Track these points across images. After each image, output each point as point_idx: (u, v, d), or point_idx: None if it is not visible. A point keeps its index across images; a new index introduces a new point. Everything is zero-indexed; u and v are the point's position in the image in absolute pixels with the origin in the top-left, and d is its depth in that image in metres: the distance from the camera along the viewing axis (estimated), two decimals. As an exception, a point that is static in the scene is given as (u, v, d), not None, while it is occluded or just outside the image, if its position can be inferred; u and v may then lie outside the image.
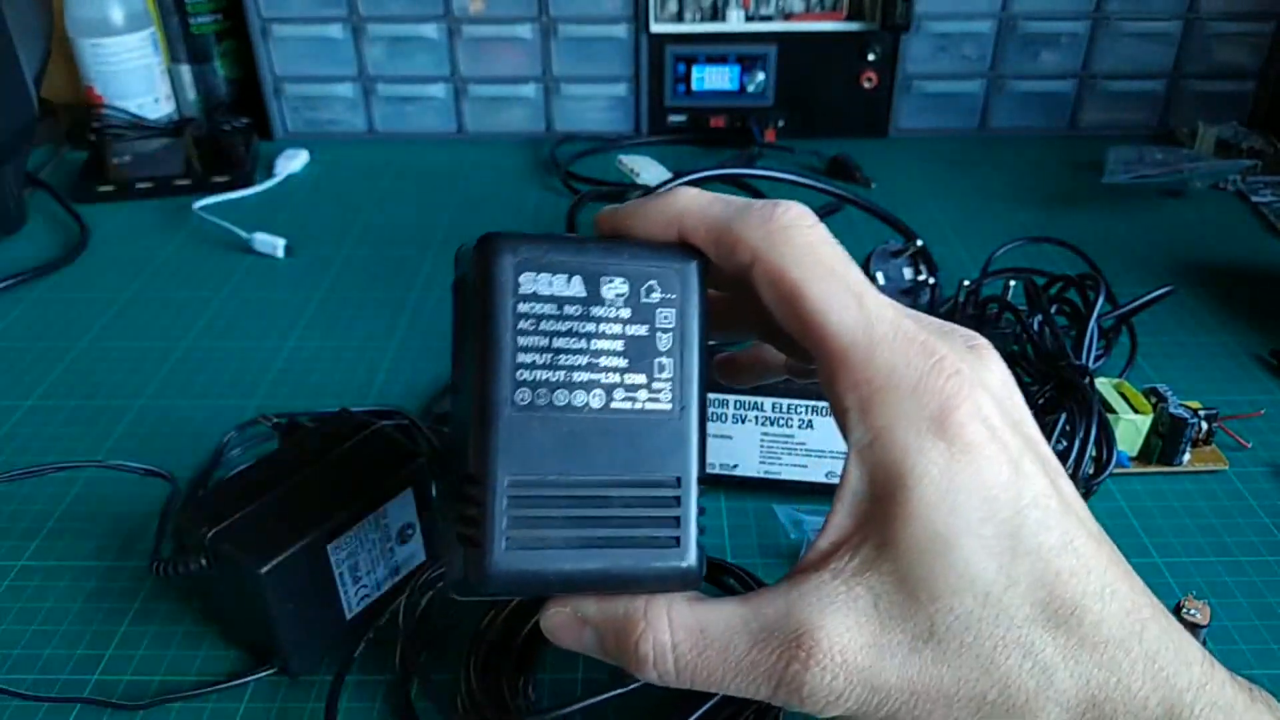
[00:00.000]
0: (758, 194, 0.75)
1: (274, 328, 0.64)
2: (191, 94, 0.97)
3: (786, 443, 0.46)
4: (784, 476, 0.47)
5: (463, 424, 0.25)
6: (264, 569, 0.34)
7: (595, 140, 0.92)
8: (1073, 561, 0.23)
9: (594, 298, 0.25)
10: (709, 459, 0.47)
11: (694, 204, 0.26)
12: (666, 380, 0.25)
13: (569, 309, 0.25)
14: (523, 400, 0.24)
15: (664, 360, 0.25)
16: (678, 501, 0.25)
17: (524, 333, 0.24)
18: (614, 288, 0.25)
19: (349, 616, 0.39)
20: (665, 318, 0.25)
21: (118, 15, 0.89)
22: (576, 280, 0.25)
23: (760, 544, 0.46)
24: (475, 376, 0.24)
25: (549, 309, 0.25)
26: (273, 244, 0.72)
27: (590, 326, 0.25)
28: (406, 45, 0.91)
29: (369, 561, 0.38)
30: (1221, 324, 0.63)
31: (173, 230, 0.77)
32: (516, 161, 0.90)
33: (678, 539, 0.25)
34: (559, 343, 0.25)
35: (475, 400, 0.24)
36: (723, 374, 0.34)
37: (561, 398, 0.24)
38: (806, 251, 0.25)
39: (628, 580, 0.25)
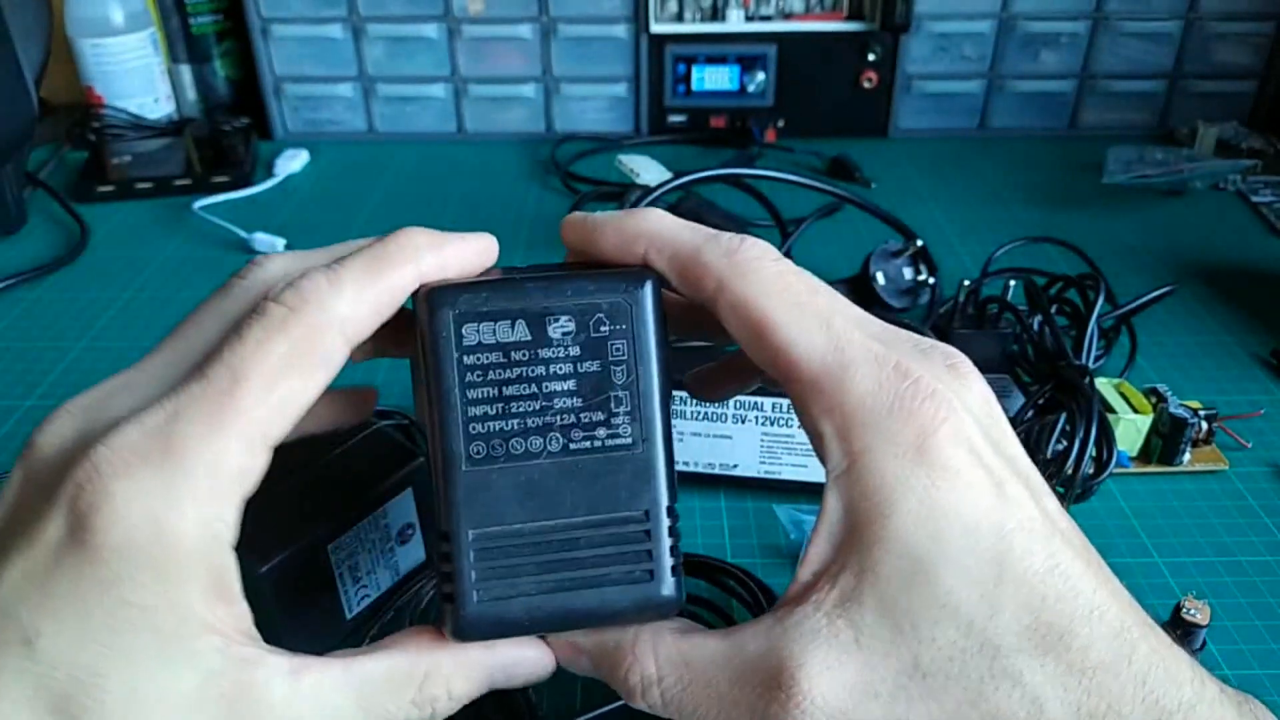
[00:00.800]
0: (758, 194, 0.75)
1: (274, 328, 0.63)
2: (191, 94, 0.97)
3: (786, 443, 0.46)
4: (784, 476, 0.47)
5: (432, 479, 0.25)
6: (264, 569, 0.34)
7: (595, 140, 0.92)
8: (1059, 585, 0.22)
9: (540, 340, 0.24)
10: (710, 458, 0.47)
11: (661, 227, 0.26)
12: (625, 414, 0.25)
13: (516, 355, 0.24)
14: (478, 454, 0.24)
15: (620, 394, 0.25)
16: (648, 535, 0.25)
17: (472, 385, 0.24)
18: (560, 326, 0.25)
19: (349, 616, 0.39)
20: (617, 349, 0.25)
21: (118, 15, 0.89)
22: (520, 324, 0.24)
23: (760, 544, 0.46)
24: (430, 434, 0.24)
25: (495, 358, 0.24)
26: (272, 244, 0.72)
27: (540, 370, 0.24)
28: (406, 45, 0.91)
29: (369, 561, 0.38)
30: (1221, 324, 0.63)
31: (173, 230, 0.77)
32: (516, 161, 0.90)
33: (651, 572, 0.25)
34: (510, 390, 0.24)
35: (432, 458, 0.24)
36: (696, 391, 0.33)
37: (518, 446, 0.24)
38: (773, 280, 0.24)
39: (606, 616, 0.25)
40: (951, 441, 0.23)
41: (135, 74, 0.92)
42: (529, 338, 0.24)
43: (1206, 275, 0.69)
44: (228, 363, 0.22)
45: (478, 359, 0.24)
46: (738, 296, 0.24)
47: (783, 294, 0.24)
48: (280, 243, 0.72)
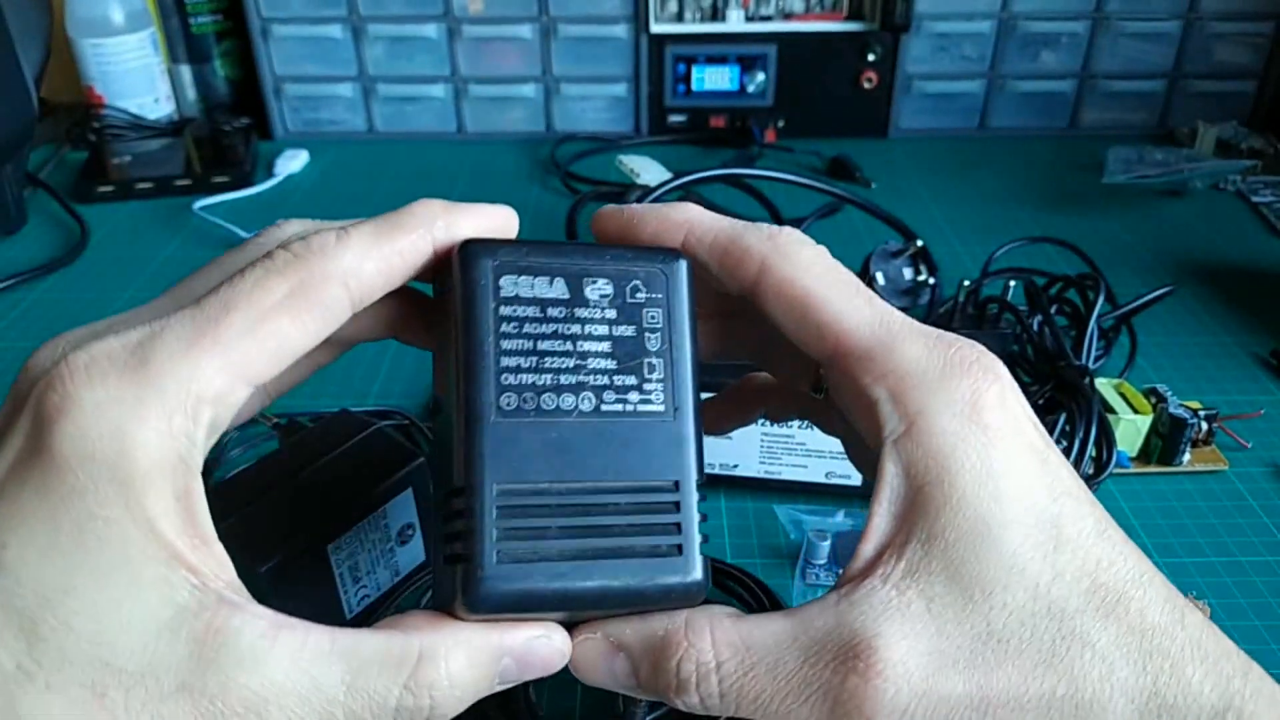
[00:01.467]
0: (758, 194, 0.75)
1: (274, 328, 0.63)
2: (191, 94, 0.97)
3: (786, 443, 0.46)
4: (784, 476, 0.47)
5: (447, 441, 0.24)
6: (264, 569, 0.34)
7: (595, 140, 0.92)
8: (1110, 550, 0.23)
9: (577, 299, 0.24)
10: (709, 459, 0.47)
11: (702, 216, 0.26)
12: (658, 381, 0.25)
13: (552, 311, 0.24)
14: (509, 405, 0.23)
15: (654, 360, 0.25)
16: (677, 507, 0.24)
17: (507, 336, 0.24)
18: (597, 289, 0.25)
19: (349, 616, 0.39)
20: (652, 317, 0.25)
21: (118, 15, 0.89)
22: (559, 282, 0.24)
23: (760, 544, 0.46)
24: (458, 383, 0.24)
25: (531, 311, 0.24)
26: (273, 244, 0.72)
27: (575, 328, 0.24)
28: (406, 45, 0.91)
29: (369, 562, 0.38)
30: (1221, 324, 0.63)
31: (173, 230, 0.77)
32: (516, 161, 0.90)
33: (680, 547, 0.24)
34: (544, 345, 0.24)
35: (459, 408, 0.23)
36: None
37: (549, 401, 0.24)
38: (814, 261, 0.25)
39: (631, 596, 0.23)
40: (999, 404, 0.23)
41: (135, 74, 0.92)
42: (566, 296, 0.24)
43: (1206, 275, 0.69)
44: (222, 295, 0.22)
45: (514, 310, 0.24)
46: (782, 275, 0.25)
47: (825, 273, 0.25)
48: (280, 243, 0.72)
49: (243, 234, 0.73)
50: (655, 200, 0.60)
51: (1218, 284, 0.68)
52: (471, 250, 0.24)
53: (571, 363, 0.24)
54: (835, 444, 0.46)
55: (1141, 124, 0.95)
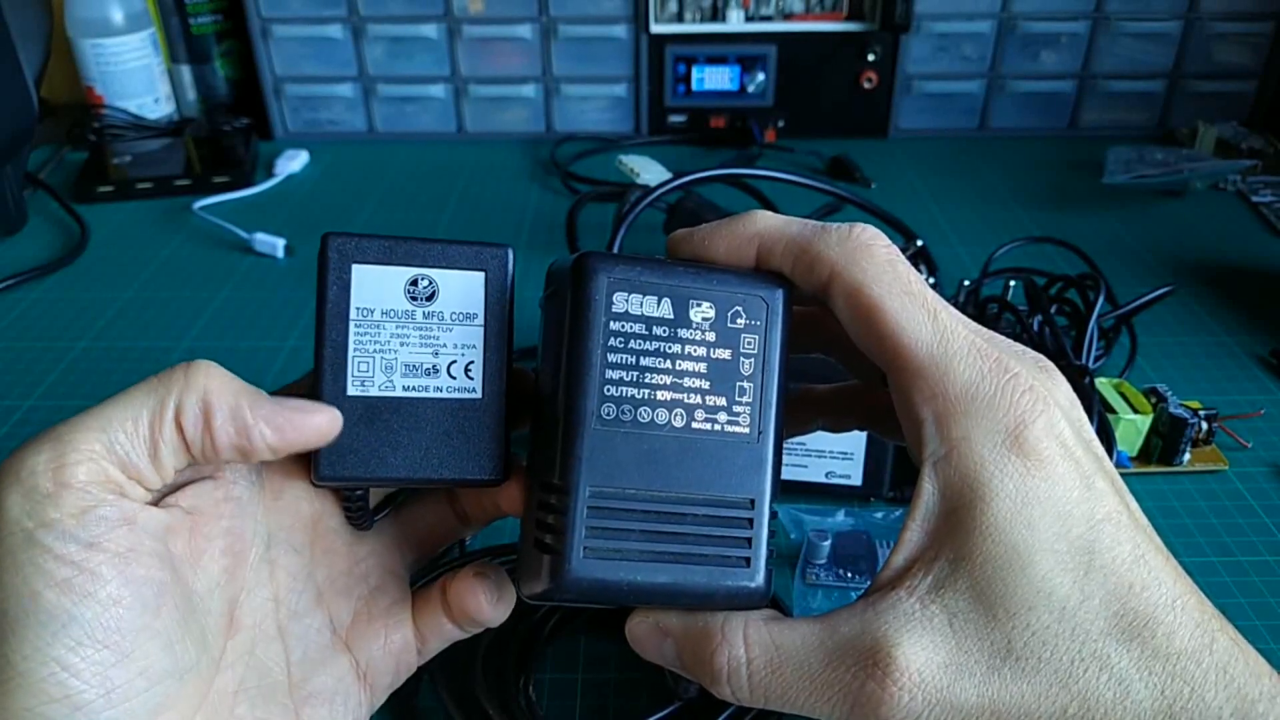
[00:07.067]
0: (758, 194, 0.75)
1: (274, 328, 0.64)
2: (191, 94, 0.97)
3: (786, 442, 0.46)
4: (784, 476, 0.47)
5: (547, 435, 0.26)
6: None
7: (595, 140, 0.92)
8: (1145, 575, 0.23)
9: (681, 319, 0.26)
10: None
11: (772, 224, 0.27)
12: (746, 404, 0.26)
13: (657, 329, 0.26)
14: (608, 415, 0.25)
15: (745, 385, 0.26)
16: (750, 524, 0.26)
17: (613, 350, 0.25)
18: (701, 311, 0.26)
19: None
20: (749, 343, 0.26)
21: (118, 15, 0.89)
22: (666, 302, 0.26)
23: (760, 544, 0.46)
24: (564, 390, 0.25)
25: (638, 328, 0.25)
26: (273, 244, 0.72)
27: (676, 348, 0.26)
28: (406, 45, 0.91)
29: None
30: (1221, 324, 0.63)
31: (173, 230, 0.77)
32: (516, 161, 0.90)
33: (748, 559, 0.26)
34: (645, 361, 0.25)
35: (562, 413, 0.25)
36: None
37: (645, 415, 0.25)
38: (884, 269, 0.25)
39: (698, 595, 0.25)
40: (1045, 434, 0.24)
41: (135, 74, 0.92)
42: (671, 316, 0.26)
43: (1206, 275, 0.69)
44: None
45: (622, 326, 0.25)
46: (851, 283, 0.25)
47: (894, 282, 0.25)
48: (280, 243, 0.72)
49: (242, 234, 0.73)
50: (654, 200, 0.60)
51: (1218, 284, 0.68)
52: (590, 265, 0.25)
53: (668, 380, 0.26)
54: (835, 444, 0.47)
55: (1141, 124, 0.95)
